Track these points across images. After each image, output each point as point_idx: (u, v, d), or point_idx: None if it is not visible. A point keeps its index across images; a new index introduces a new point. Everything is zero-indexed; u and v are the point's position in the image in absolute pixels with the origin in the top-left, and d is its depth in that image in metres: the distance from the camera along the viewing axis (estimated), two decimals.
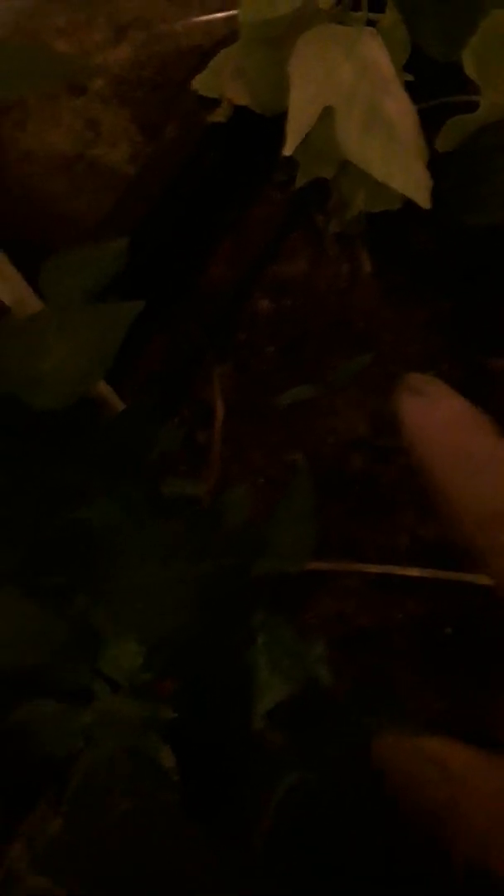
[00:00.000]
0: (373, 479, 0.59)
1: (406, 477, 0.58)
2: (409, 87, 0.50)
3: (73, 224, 0.61)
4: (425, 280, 0.63)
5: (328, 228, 0.62)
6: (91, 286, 0.40)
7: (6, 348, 0.38)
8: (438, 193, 0.49)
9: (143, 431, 0.42)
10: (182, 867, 0.26)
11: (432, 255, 0.63)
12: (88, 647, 0.34)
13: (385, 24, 0.50)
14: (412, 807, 0.25)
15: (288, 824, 0.31)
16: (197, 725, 0.34)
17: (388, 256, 0.63)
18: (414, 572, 0.57)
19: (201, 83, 0.58)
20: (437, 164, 0.50)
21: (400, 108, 0.48)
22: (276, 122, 0.50)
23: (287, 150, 0.48)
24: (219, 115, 0.58)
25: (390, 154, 0.47)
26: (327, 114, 0.48)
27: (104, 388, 0.50)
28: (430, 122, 0.50)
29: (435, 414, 0.24)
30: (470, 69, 0.49)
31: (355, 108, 0.47)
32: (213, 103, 0.58)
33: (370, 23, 0.50)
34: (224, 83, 0.56)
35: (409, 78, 0.51)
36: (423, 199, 0.48)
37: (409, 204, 0.50)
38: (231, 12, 0.61)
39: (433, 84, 0.51)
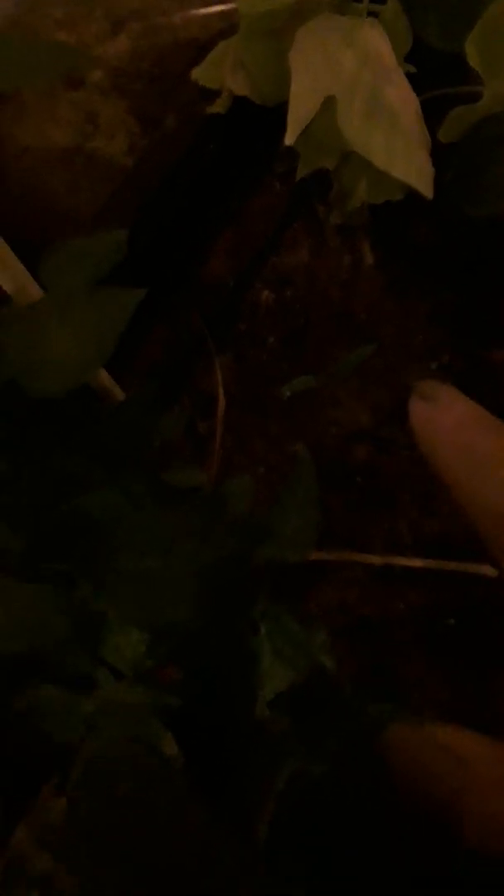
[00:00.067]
0: (375, 470, 0.59)
1: (408, 468, 0.58)
2: (411, 78, 0.50)
3: (71, 216, 0.60)
4: (427, 271, 0.62)
5: (329, 219, 0.62)
6: (91, 276, 0.40)
7: (8, 336, 0.38)
8: (440, 184, 0.48)
9: (144, 421, 0.42)
10: (185, 850, 0.26)
11: (434, 247, 0.62)
12: (91, 634, 0.34)
13: (386, 14, 0.50)
14: (422, 795, 0.25)
15: (290, 812, 0.31)
16: (200, 713, 0.34)
17: (389, 248, 0.63)
18: (416, 563, 0.56)
19: (201, 74, 0.57)
20: (439, 155, 0.49)
21: (402, 97, 0.48)
22: (276, 113, 0.50)
23: (288, 140, 0.48)
24: (218, 106, 0.57)
25: (392, 142, 0.47)
26: (328, 104, 0.48)
27: (105, 379, 0.50)
28: (432, 113, 0.50)
29: (446, 418, 0.24)
30: (473, 59, 0.49)
31: (357, 96, 0.47)
32: (213, 94, 0.58)
33: (371, 14, 0.50)
34: (224, 74, 0.56)
35: (411, 69, 0.51)
36: (425, 188, 0.48)
37: (410, 195, 0.50)
38: (229, 5, 0.61)
39: (435, 75, 0.51)
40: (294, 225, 0.64)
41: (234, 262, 0.64)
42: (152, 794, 0.27)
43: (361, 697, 0.35)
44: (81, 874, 0.24)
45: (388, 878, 0.28)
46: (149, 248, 0.58)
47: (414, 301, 0.62)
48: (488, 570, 0.53)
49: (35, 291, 0.43)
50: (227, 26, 0.59)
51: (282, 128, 0.48)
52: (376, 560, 0.57)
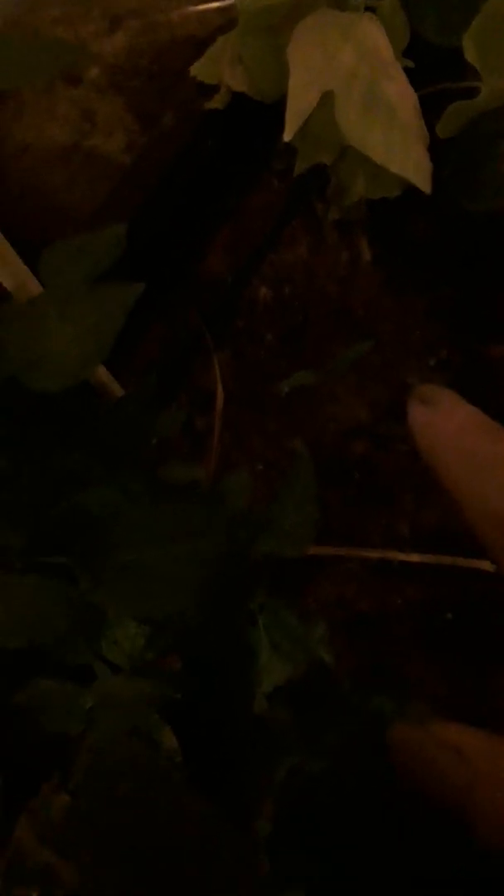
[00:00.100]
0: (373, 465, 0.59)
1: (406, 464, 0.58)
2: (409, 74, 0.50)
3: (70, 214, 0.60)
4: (425, 267, 0.62)
5: (327, 216, 0.62)
6: (90, 272, 0.40)
7: (8, 333, 0.38)
8: (438, 180, 0.48)
9: (143, 418, 0.42)
10: (185, 848, 0.26)
11: (432, 242, 0.62)
12: (90, 628, 0.34)
13: (384, 9, 0.50)
14: (428, 793, 0.25)
15: (290, 808, 0.31)
16: (199, 707, 0.34)
17: (387, 244, 0.63)
18: (414, 558, 0.57)
19: (200, 70, 0.57)
20: (437, 151, 0.49)
21: (400, 91, 0.48)
22: (274, 110, 0.50)
23: (287, 136, 0.48)
24: (216, 102, 0.57)
25: (390, 137, 0.47)
26: (326, 99, 0.48)
27: (104, 375, 0.50)
28: (430, 109, 0.50)
29: (447, 423, 0.25)
30: (470, 55, 0.49)
31: (355, 91, 0.47)
32: (211, 91, 0.57)
33: (369, 8, 0.50)
34: (222, 70, 0.56)
35: (409, 64, 0.51)
36: (423, 183, 0.48)
37: (408, 191, 0.50)
38: (227, 1, 0.61)
39: (433, 70, 0.51)
40: (292, 222, 0.64)
41: (232, 259, 0.64)
42: (152, 794, 0.27)
43: (361, 693, 0.35)
44: (82, 870, 0.24)
45: (389, 875, 0.28)
46: (147, 246, 0.58)
47: (412, 297, 0.62)
48: (486, 565, 0.53)
49: (35, 288, 0.43)
50: (225, 22, 0.59)
51: (280, 125, 0.48)
52: (374, 555, 0.57)
